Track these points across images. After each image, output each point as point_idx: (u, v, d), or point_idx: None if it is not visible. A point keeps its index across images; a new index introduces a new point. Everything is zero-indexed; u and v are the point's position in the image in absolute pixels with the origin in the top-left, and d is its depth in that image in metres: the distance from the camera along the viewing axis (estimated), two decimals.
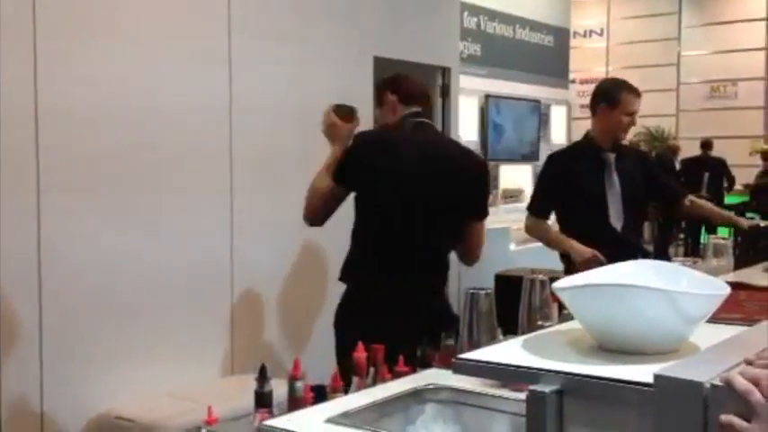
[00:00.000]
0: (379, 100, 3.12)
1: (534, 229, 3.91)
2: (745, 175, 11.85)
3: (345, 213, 3.03)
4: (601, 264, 3.42)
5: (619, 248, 3.29)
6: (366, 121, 4.33)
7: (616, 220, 3.68)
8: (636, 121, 3.74)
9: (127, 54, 3.30)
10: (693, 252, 9.84)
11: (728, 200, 11.12)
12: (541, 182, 4.02)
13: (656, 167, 4.02)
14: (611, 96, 3.72)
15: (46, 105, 3.02)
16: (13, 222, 2.91)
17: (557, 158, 4.03)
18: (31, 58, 2.98)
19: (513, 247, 6.21)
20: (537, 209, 3.91)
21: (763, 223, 3.07)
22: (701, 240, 10.37)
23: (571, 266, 3.58)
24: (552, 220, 3.98)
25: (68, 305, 3.09)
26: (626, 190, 3.70)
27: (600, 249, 3.51)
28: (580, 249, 3.59)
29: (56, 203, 3.04)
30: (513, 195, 7.84)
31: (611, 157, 3.74)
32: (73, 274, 3.12)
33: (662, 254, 4.71)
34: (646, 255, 3.64)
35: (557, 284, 1.48)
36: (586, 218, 3.73)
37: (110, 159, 3.24)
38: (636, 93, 3.75)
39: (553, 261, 5.47)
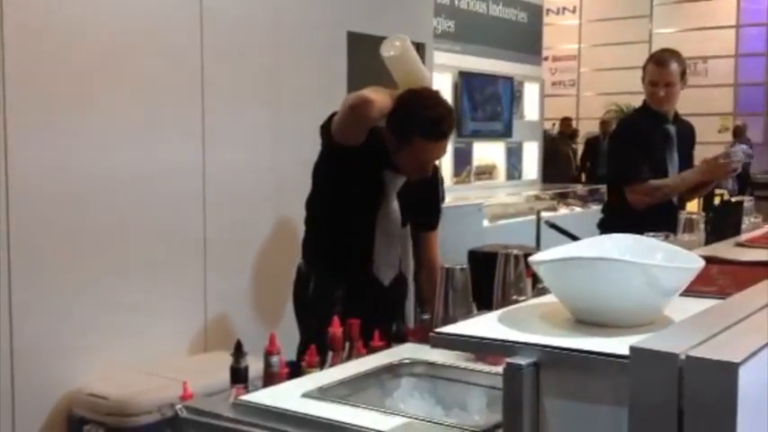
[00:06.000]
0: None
1: (655, 191, 3.66)
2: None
3: None
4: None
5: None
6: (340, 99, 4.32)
7: None
8: (671, 92, 3.65)
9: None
10: None
11: None
12: (636, 146, 3.78)
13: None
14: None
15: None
16: None
17: (632, 124, 3.95)
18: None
19: (486, 223, 6.23)
20: (647, 172, 3.69)
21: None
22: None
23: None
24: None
25: (39, 280, 3.06)
26: (680, 164, 3.74)
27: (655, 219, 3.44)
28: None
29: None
30: (486, 172, 7.87)
31: (672, 129, 3.75)
32: (43, 244, 3.09)
33: None
34: None
35: (533, 258, 1.48)
36: None
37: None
38: (656, 62, 3.67)
39: (525, 237, 5.50)
